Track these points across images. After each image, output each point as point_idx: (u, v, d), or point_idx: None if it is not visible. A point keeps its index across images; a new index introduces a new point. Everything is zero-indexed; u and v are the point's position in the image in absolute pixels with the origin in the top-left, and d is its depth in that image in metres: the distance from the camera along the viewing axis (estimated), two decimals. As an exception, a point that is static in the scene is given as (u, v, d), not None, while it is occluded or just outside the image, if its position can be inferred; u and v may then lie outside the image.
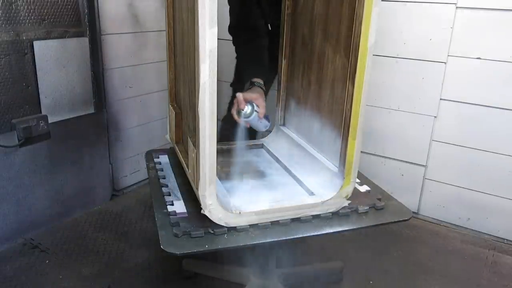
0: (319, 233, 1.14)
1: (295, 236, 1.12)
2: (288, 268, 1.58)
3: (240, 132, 1.42)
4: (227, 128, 1.64)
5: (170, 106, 1.48)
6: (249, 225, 1.12)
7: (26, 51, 1.73)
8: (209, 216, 1.09)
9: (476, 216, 2.02)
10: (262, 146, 1.63)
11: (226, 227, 1.10)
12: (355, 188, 1.26)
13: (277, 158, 1.50)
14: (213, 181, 1.06)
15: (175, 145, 1.44)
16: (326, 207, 1.19)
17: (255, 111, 1.35)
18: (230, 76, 1.86)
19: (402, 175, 2.16)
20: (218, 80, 1.00)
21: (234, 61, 1.78)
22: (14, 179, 1.78)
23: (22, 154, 1.79)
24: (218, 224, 1.10)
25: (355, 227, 1.18)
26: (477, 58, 1.86)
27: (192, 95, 1.10)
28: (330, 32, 1.25)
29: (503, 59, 1.81)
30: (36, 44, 1.75)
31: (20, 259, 1.72)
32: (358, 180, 1.36)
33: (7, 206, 1.77)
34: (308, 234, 1.13)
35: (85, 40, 1.95)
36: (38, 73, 1.78)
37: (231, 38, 1.67)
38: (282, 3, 1.47)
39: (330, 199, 1.18)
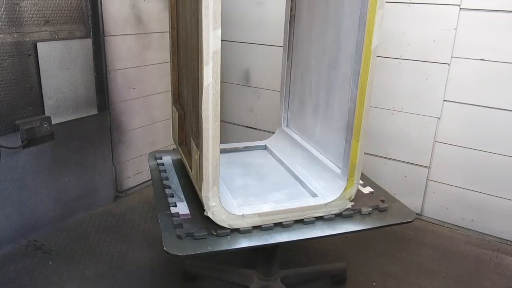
0: (322, 235, 1.14)
1: (298, 238, 1.12)
2: (292, 270, 1.58)
3: None
4: None
5: (173, 107, 1.48)
6: (252, 226, 1.12)
7: (29, 53, 1.73)
8: (212, 218, 1.09)
9: (480, 217, 2.02)
10: (265, 147, 1.63)
11: (229, 228, 1.10)
12: (358, 190, 1.26)
13: (280, 159, 1.50)
14: (216, 183, 1.06)
15: (178, 146, 1.44)
16: (329, 208, 1.19)
17: None
18: (234, 77, 1.85)
19: (406, 176, 2.15)
20: (221, 81, 1.00)
21: (238, 63, 1.77)
22: (18, 180, 1.78)
23: (26, 155, 1.79)
24: (221, 226, 1.10)
25: (358, 229, 1.18)
26: (481, 60, 1.85)
27: (195, 96, 1.10)
28: (331, 33, 1.25)
29: (506, 60, 1.80)
30: (40, 45, 1.76)
31: (23, 261, 1.73)
32: (361, 182, 1.35)
33: (10, 207, 1.78)
34: (311, 236, 1.13)
35: (89, 42, 1.96)
36: (41, 74, 1.78)
37: (235, 39, 1.66)
38: (286, 4, 1.47)
39: (333, 200, 1.18)
